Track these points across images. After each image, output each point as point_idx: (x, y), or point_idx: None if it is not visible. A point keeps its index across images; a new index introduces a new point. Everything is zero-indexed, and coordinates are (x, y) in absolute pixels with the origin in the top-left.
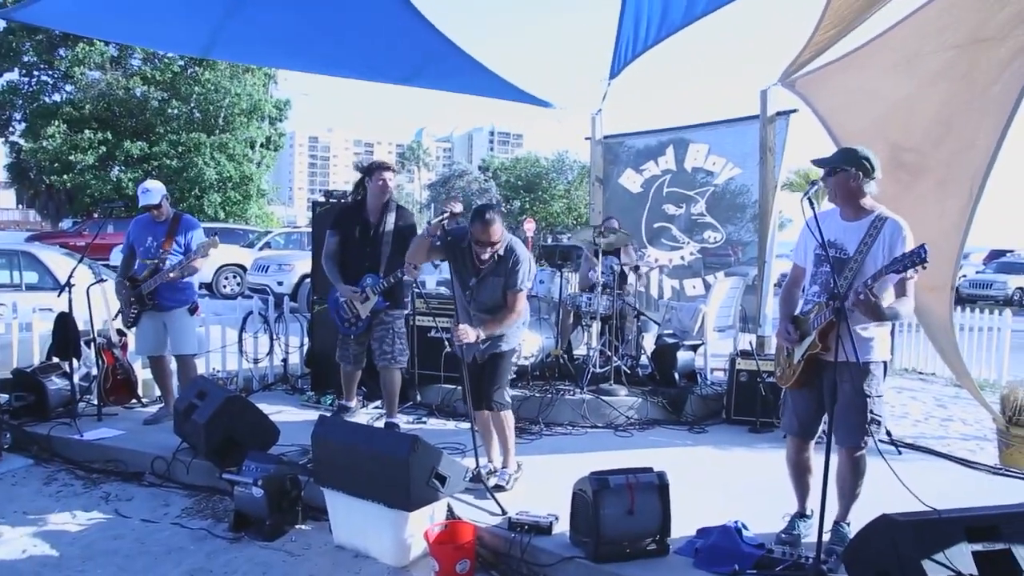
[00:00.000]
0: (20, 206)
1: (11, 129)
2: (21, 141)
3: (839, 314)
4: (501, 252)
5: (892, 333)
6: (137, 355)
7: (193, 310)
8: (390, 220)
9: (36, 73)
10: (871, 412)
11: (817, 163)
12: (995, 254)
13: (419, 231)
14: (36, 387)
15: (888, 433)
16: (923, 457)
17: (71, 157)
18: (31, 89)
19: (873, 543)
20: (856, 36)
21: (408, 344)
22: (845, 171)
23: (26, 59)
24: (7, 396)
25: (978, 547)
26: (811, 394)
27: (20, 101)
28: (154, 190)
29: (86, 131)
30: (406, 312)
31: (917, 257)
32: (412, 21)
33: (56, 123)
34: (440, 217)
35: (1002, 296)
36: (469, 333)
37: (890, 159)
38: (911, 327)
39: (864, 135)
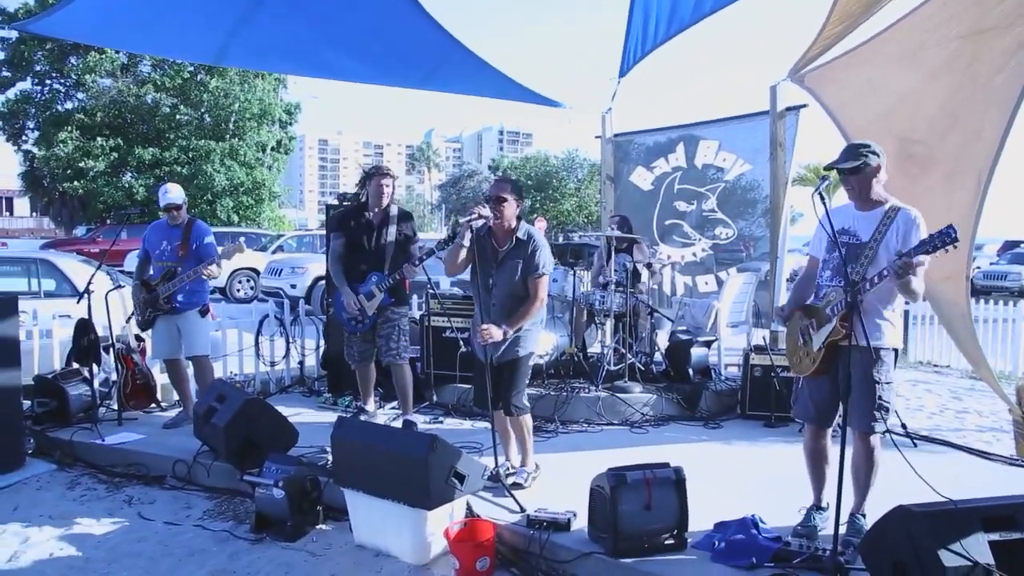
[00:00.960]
0: (34, 214)
1: (24, 137)
2: (34, 149)
3: (852, 300)
4: (521, 236)
5: (905, 325)
6: (153, 359)
7: (204, 312)
8: (392, 221)
9: (48, 82)
10: (879, 398)
11: (835, 167)
12: (1009, 245)
13: (421, 233)
14: (58, 393)
15: (903, 426)
16: (939, 449)
17: (83, 164)
18: (44, 98)
19: (889, 534)
20: (862, 31)
21: (422, 344)
22: (868, 165)
23: (38, 68)
24: (29, 402)
25: (995, 536)
26: (828, 381)
27: (33, 110)
28: (175, 191)
29: (98, 138)
30: (410, 309)
31: (948, 236)
32: (423, 24)
33: (69, 129)
34: (469, 218)
35: (1017, 287)
36: (495, 332)
37: (898, 152)
38: (925, 319)
39: (872, 129)
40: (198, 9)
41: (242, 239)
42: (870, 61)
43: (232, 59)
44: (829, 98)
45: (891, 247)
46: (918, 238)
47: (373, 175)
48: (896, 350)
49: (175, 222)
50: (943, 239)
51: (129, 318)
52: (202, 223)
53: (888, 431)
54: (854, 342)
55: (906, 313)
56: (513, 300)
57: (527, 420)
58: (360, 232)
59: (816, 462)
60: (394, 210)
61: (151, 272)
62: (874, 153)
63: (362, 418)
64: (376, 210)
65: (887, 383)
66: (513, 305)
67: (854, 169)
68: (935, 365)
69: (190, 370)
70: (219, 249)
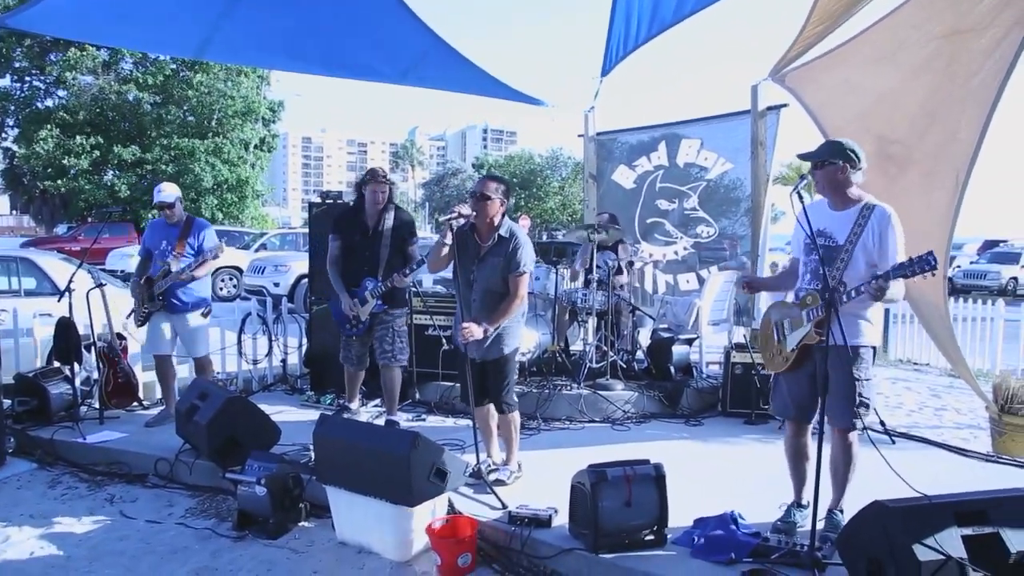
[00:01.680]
0: (14, 212)
1: (4, 135)
2: (14, 147)
3: (829, 305)
4: (503, 234)
5: (886, 323)
6: (144, 353)
7: (207, 313)
8: (388, 221)
9: (28, 79)
10: (860, 395)
11: (804, 157)
12: (988, 244)
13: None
14: (38, 391)
15: (882, 423)
16: (917, 446)
17: (64, 162)
18: (23, 95)
19: (865, 530)
20: (842, 31)
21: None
22: (833, 164)
23: (17, 65)
24: (10, 401)
25: (968, 531)
26: (805, 376)
27: (12, 107)
28: (169, 189)
29: (78, 136)
30: (406, 310)
31: (927, 264)
32: (405, 20)
33: (49, 127)
34: (448, 216)
35: (996, 286)
36: (475, 330)
37: (877, 152)
38: (905, 318)
39: (851, 128)
40: (178, 2)
41: (223, 240)
42: (849, 61)
43: (213, 53)
44: (809, 98)
45: (868, 247)
46: (893, 238)
47: (368, 181)
48: (875, 348)
49: (171, 220)
50: (922, 266)
51: (130, 314)
52: (201, 220)
53: (866, 428)
54: (832, 342)
55: (886, 312)
56: (493, 297)
57: (516, 417)
58: (354, 232)
59: (797, 458)
60: (390, 212)
61: (152, 269)
62: (850, 153)
63: (345, 416)
64: (371, 212)
65: (866, 380)
66: (494, 302)
67: (817, 164)
68: (915, 363)
69: (177, 368)
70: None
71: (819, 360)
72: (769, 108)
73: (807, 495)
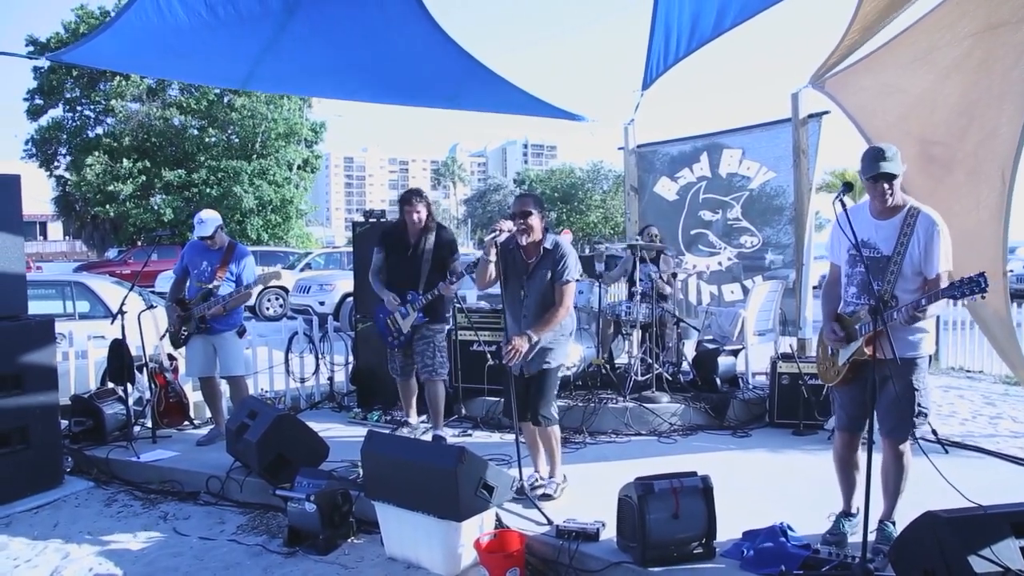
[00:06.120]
0: (67, 237)
1: (57, 163)
2: (66, 175)
3: (879, 317)
4: (548, 246)
5: (937, 330)
6: (187, 376)
7: (241, 333)
8: (430, 239)
9: (79, 108)
10: (919, 405)
11: (871, 176)
12: None
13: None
14: (94, 412)
15: (934, 432)
16: (971, 455)
17: (112, 187)
18: (74, 124)
19: (918, 541)
20: (880, 35)
21: (450, 358)
22: (895, 176)
23: (69, 95)
24: (67, 421)
25: None
26: (857, 389)
27: (64, 136)
28: (209, 221)
29: (124, 160)
30: (447, 326)
31: (977, 286)
32: (446, 48)
33: (96, 154)
34: (492, 235)
35: None
36: (519, 344)
37: (920, 154)
38: (957, 324)
39: (892, 132)
40: (225, 35)
41: (279, 265)
42: (887, 64)
43: (258, 83)
44: (849, 102)
45: (914, 259)
46: (937, 248)
47: (403, 202)
48: (930, 356)
49: (213, 246)
50: (972, 288)
51: (163, 335)
52: (243, 247)
53: (916, 439)
54: (888, 355)
55: (937, 318)
56: (546, 308)
57: (555, 431)
58: (398, 249)
59: (846, 468)
60: (432, 227)
61: (187, 291)
62: (898, 156)
63: (404, 431)
64: (413, 229)
65: (924, 389)
66: (543, 316)
67: (895, 174)
68: (967, 371)
69: (223, 387)
70: (258, 271)
71: (870, 372)
72: (810, 116)
73: (856, 504)
